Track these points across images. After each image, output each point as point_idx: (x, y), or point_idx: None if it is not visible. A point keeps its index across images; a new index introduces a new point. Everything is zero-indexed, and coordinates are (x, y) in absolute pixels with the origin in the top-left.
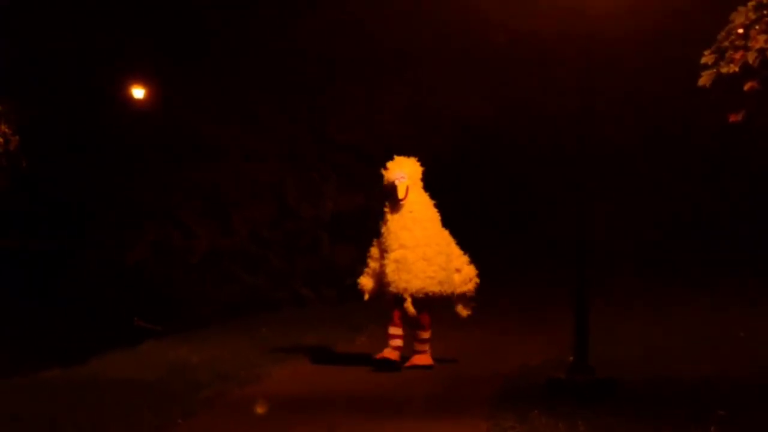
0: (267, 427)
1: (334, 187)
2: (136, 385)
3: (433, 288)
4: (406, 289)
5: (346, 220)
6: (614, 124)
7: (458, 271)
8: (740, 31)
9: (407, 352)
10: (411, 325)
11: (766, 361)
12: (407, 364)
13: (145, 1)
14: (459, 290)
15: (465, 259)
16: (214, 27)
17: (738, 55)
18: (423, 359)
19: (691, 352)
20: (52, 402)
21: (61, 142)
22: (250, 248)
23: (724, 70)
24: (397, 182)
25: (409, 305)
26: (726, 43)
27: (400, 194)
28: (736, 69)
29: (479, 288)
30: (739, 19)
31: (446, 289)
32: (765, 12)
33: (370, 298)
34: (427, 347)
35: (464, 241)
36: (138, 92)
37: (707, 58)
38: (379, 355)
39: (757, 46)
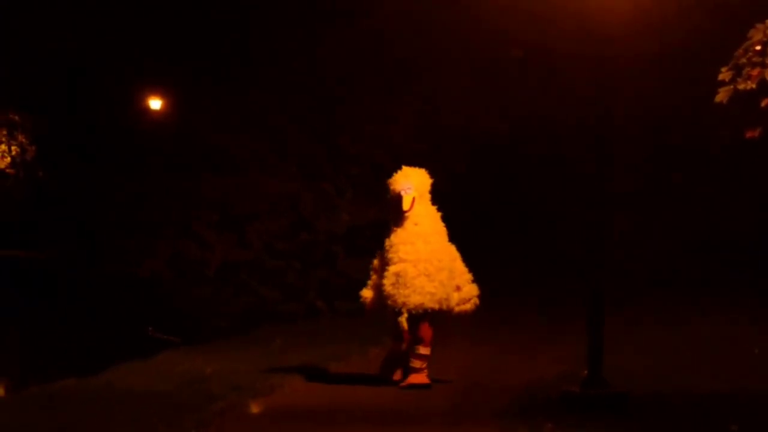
0: None
1: (349, 201)
2: (150, 396)
3: (432, 305)
4: (404, 304)
5: (361, 233)
6: (631, 141)
7: (459, 289)
8: (758, 48)
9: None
10: (412, 340)
11: None
12: (403, 384)
13: (164, 16)
14: (457, 309)
15: (468, 277)
16: (232, 42)
17: (755, 72)
18: (420, 378)
19: (705, 366)
20: (65, 412)
21: (77, 153)
22: (265, 260)
23: (741, 86)
24: (403, 193)
25: (402, 321)
26: (743, 60)
27: (405, 206)
28: (754, 86)
29: (489, 305)
30: (757, 36)
31: (444, 306)
32: None
33: (371, 310)
34: (425, 365)
35: (476, 255)
36: (155, 103)
37: (724, 74)
38: (405, 382)
39: None
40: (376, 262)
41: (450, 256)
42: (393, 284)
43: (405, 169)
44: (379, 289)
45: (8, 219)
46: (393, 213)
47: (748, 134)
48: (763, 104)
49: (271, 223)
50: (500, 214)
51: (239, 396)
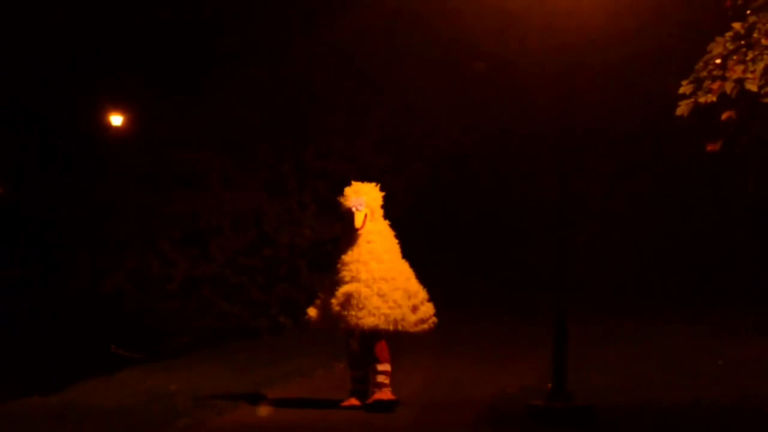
0: None
1: (313, 216)
2: (115, 413)
3: (386, 326)
4: (357, 326)
5: (325, 248)
6: (593, 154)
7: (416, 309)
8: (718, 61)
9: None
10: (368, 361)
11: (744, 388)
12: (369, 400)
13: (124, 30)
14: (413, 329)
15: (424, 296)
16: (194, 56)
17: (716, 86)
18: (385, 394)
19: (670, 379)
20: (30, 429)
21: (37, 169)
22: (229, 276)
23: (702, 99)
24: (354, 210)
25: (354, 342)
26: (704, 74)
27: (357, 223)
28: (714, 99)
29: (453, 318)
30: (716, 49)
31: (400, 327)
32: (742, 43)
33: (315, 329)
34: (387, 380)
35: (438, 269)
36: (116, 119)
37: (685, 88)
38: (343, 403)
39: (735, 76)
40: (327, 281)
41: (404, 275)
42: (342, 304)
43: (355, 184)
44: (326, 308)
45: None
46: (345, 231)
47: (709, 148)
48: (723, 117)
49: (234, 238)
50: (465, 226)
51: (204, 412)
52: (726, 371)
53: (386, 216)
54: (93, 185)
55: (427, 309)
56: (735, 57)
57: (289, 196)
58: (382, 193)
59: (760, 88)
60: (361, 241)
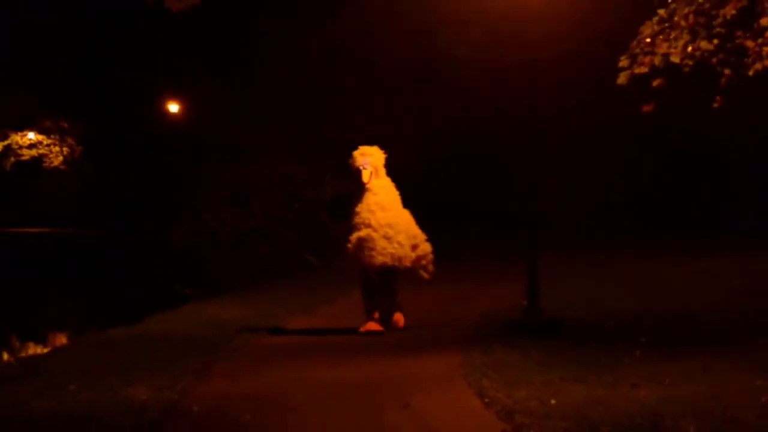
0: (285, 365)
1: (332, 176)
2: (181, 338)
3: (394, 263)
4: (369, 264)
5: (343, 201)
6: (557, 119)
7: (416, 247)
8: (648, 40)
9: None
10: (383, 293)
11: (681, 300)
12: (395, 324)
13: (177, 30)
14: (417, 264)
15: (423, 237)
16: (234, 49)
17: (647, 59)
18: (399, 318)
19: (622, 295)
20: (118, 352)
21: (115, 150)
22: (267, 227)
23: (637, 71)
24: (362, 169)
25: (373, 275)
26: (637, 50)
27: (365, 179)
28: (646, 70)
29: (448, 257)
30: (646, 30)
31: (405, 263)
32: (666, 25)
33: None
34: (397, 309)
35: (435, 218)
36: (173, 107)
37: (623, 62)
38: (363, 329)
39: (661, 51)
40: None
41: (405, 220)
42: (356, 247)
43: (362, 148)
44: (346, 250)
45: (64, 205)
46: (355, 186)
47: (644, 108)
48: (654, 84)
49: (271, 197)
50: (455, 182)
51: (251, 335)
52: (667, 286)
53: (393, 174)
54: (158, 160)
55: (426, 247)
56: (661, 36)
57: (313, 161)
58: (385, 154)
59: (682, 60)
60: (369, 195)
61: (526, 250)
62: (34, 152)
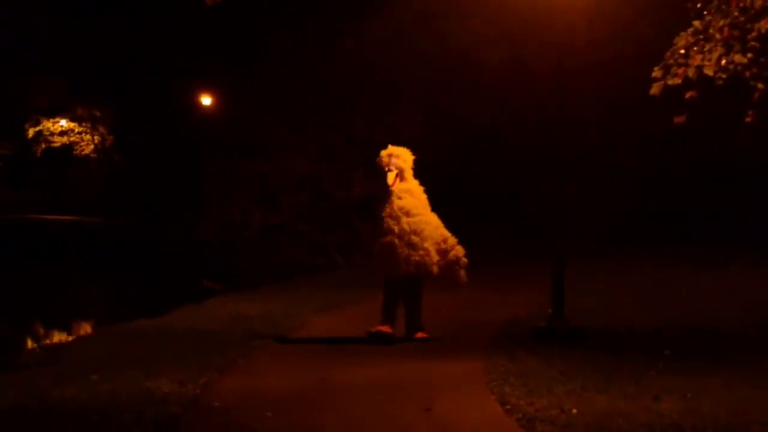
0: (307, 363)
1: (361, 176)
2: (205, 332)
3: (418, 272)
4: (394, 273)
5: (371, 202)
6: (585, 126)
7: (445, 253)
8: (682, 51)
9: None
10: (406, 300)
11: (702, 312)
12: (414, 335)
13: (213, 27)
14: (448, 270)
15: (453, 241)
16: (269, 49)
17: (680, 71)
18: (421, 334)
19: (643, 306)
20: (140, 344)
21: (146, 141)
22: (294, 224)
23: (670, 82)
24: (387, 170)
25: (393, 284)
26: (671, 61)
27: (389, 181)
28: (679, 81)
29: (471, 261)
30: (681, 42)
31: (431, 270)
32: (701, 37)
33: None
34: (419, 321)
35: (463, 221)
36: (206, 100)
37: (656, 72)
38: (374, 329)
39: (695, 63)
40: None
41: (432, 225)
42: (379, 255)
43: (390, 147)
44: (370, 256)
45: (92, 194)
46: (380, 189)
47: (676, 120)
48: (687, 96)
49: (299, 194)
50: (481, 187)
51: (276, 332)
52: (687, 299)
53: (420, 176)
54: (187, 153)
55: (457, 251)
56: (695, 48)
57: (341, 160)
58: (413, 156)
59: (715, 72)
60: (393, 198)
61: (552, 257)
62: (65, 139)
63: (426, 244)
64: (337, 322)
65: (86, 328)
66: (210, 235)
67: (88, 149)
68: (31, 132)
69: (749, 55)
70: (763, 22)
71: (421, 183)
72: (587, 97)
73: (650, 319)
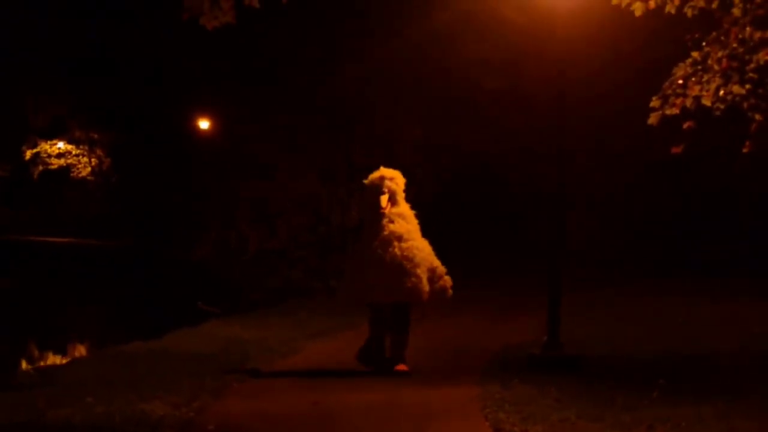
0: (302, 387)
1: (358, 200)
2: (200, 356)
3: (408, 300)
4: (383, 301)
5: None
6: (585, 154)
7: (434, 282)
8: (680, 81)
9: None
10: (390, 329)
11: (698, 341)
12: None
13: (210, 50)
14: (432, 300)
15: (442, 270)
16: (270, 72)
17: (678, 101)
18: (401, 366)
19: (641, 334)
20: (136, 366)
21: (143, 163)
22: (291, 248)
23: (668, 112)
24: (379, 193)
25: (380, 312)
26: (669, 91)
27: (382, 204)
28: (677, 111)
29: (468, 286)
30: (679, 72)
31: (421, 298)
32: (699, 68)
33: (342, 303)
34: (403, 351)
35: (457, 246)
36: (204, 123)
37: (655, 102)
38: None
39: (693, 93)
40: (351, 256)
41: (424, 252)
42: (371, 282)
43: (381, 169)
44: (353, 284)
45: (89, 216)
46: (370, 211)
47: (674, 150)
48: (684, 126)
49: (296, 218)
50: (477, 211)
51: (271, 356)
52: (685, 328)
53: (416, 200)
54: (185, 175)
55: (445, 281)
56: (693, 78)
57: (339, 185)
58: (404, 180)
59: (713, 103)
60: (385, 222)
61: (549, 284)
62: (62, 161)
63: (418, 271)
64: (333, 347)
65: (81, 351)
66: (207, 258)
67: (85, 171)
68: (28, 154)
69: (747, 86)
70: (761, 54)
71: (420, 207)
72: (587, 124)
73: (647, 348)
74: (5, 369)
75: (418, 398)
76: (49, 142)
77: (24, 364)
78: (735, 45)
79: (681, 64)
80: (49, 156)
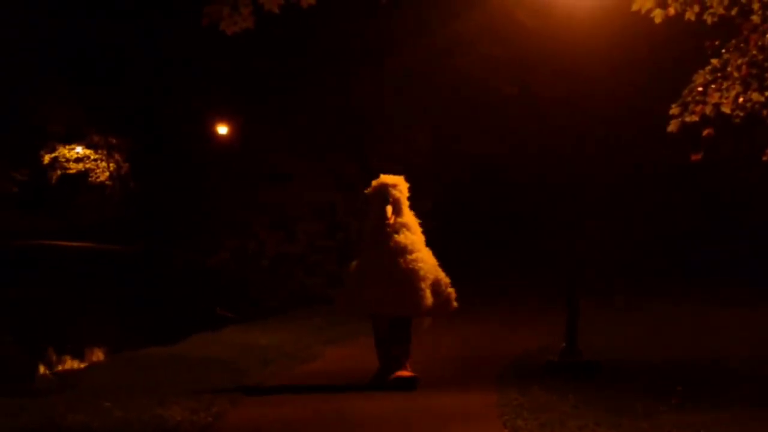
0: (321, 394)
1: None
2: (218, 361)
3: (408, 312)
4: (387, 314)
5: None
6: (602, 163)
7: (439, 294)
8: (700, 89)
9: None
10: (392, 341)
11: (714, 349)
12: (390, 377)
13: (229, 57)
14: (436, 311)
15: (447, 281)
16: (287, 81)
17: (698, 108)
18: (404, 371)
19: (657, 341)
20: (151, 373)
21: (161, 168)
22: (308, 254)
23: (687, 119)
24: (384, 202)
25: (382, 325)
26: (689, 99)
27: (388, 214)
28: (697, 119)
29: (482, 292)
30: (699, 79)
31: (422, 312)
32: (719, 75)
33: (342, 312)
34: (406, 360)
35: (472, 253)
36: (222, 129)
37: (674, 109)
38: (391, 376)
39: (713, 101)
40: (353, 265)
41: (428, 264)
42: (375, 295)
43: (383, 177)
44: (354, 294)
45: (107, 221)
46: (373, 221)
47: (693, 158)
48: (704, 133)
49: (313, 224)
50: (493, 218)
51: (288, 361)
52: (701, 335)
53: (430, 208)
54: (203, 181)
55: (450, 293)
56: (713, 86)
57: (356, 191)
58: (407, 185)
59: (733, 110)
60: (389, 234)
61: (568, 291)
62: (80, 166)
63: (422, 285)
64: (350, 354)
65: (99, 355)
66: (224, 264)
67: (104, 176)
68: (47, 158)
69: (767, 93)
70: None
71: (434, 213)
72: (604, 132)
73: (664, 355)
74: (25, 375)
75: (437, 406)
76: (67, 147)
77: (42, 369)
78: (755, 52)
79: (701, 71)
80: (68, 160)
